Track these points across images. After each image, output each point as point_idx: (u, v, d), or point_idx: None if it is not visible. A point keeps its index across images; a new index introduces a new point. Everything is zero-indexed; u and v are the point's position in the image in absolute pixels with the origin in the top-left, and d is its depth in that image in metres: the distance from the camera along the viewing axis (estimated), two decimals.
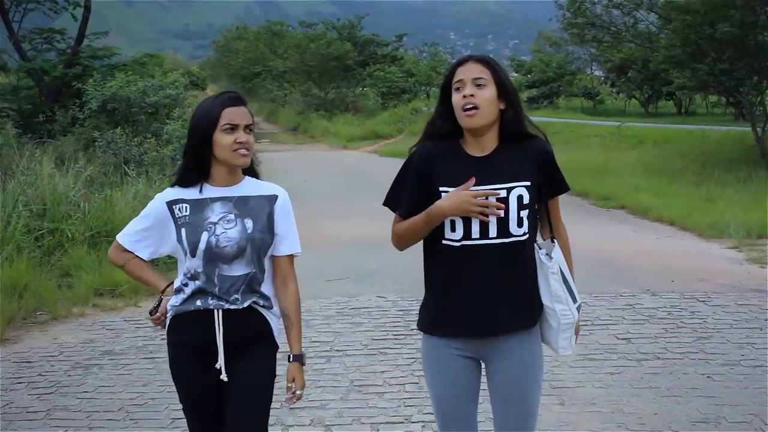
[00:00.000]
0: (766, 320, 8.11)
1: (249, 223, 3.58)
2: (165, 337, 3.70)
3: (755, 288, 9.40)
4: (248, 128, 3.57)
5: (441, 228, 3.39)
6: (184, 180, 3.63)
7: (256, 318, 3.63)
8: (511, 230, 3.33)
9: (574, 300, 3.50)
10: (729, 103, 37.15)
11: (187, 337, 3.61)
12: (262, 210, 3.62)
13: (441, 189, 3.37)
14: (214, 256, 3.53)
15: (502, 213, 3.29)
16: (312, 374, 6.80)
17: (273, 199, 3.67)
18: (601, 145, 26.81)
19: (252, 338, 3.62)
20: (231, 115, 3.52)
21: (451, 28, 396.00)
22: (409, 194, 3.48)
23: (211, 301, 3.55)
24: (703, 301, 8.87)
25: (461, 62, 3.45)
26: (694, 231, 13.46)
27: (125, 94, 18.15)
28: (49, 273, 9.78)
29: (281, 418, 5.91)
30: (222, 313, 3.54)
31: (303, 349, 3.71)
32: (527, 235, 3.37)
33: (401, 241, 3.62)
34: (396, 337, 7.83)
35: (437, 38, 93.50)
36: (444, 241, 3.40)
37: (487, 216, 3.28)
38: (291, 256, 3.74)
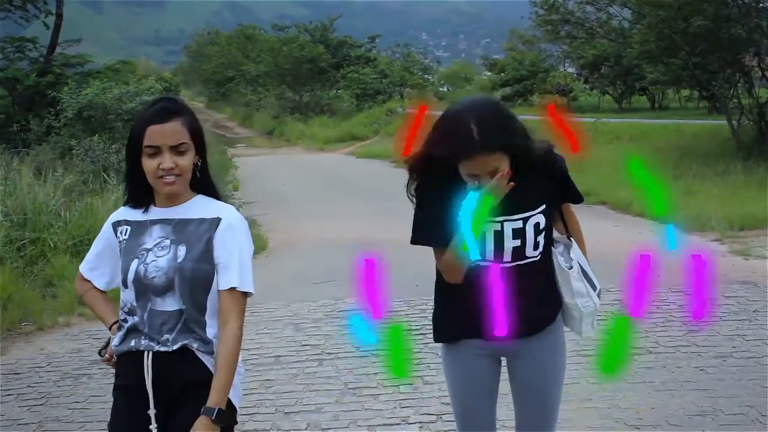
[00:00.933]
0: (754, 312, 8.14)
1: (181, 251, 3.11)
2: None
3: (741, 280, 9.43)
4: (177, 149, 3.07)
5: None
6: (131, 199, 3.26)
7: (192, 363, 3.11)
8: (526, 254, 3.30)
9: (594, 287, 3.49)
10: (702, 96, 37.33)
11: (123, 380, 3.21)
12: (201, 236, 3.13)
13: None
14: (144, 288, 3.10)
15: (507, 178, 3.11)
16: (305, 378, 6.80)
17: (215, 222, 3.15)
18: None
19: (188, 387, 3.10)
20: (153, 136, 3.04)
21: (423, 29, 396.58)
22: (436, 224, 3.24)
23: (143, 342, 3.11)
24: (690, 294, 8.87)
25: (471, 155, 3.08)
26: (676, 225, 13.48)
27: (101, 101, 17.99)
28: (33, 283, 9.68)
29: (277, 423, 5.88)
30: (152, 355, 3.09)
31: (233, 403, 3.13)
32: (541, 254, 3.35)
33: (453, 275, 3.31)
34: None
35: (409, 39, 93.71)
36: None
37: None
38: (233, 291, 3.10)
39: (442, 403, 5.97)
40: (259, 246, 12.83)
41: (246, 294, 3.16)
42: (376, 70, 55.14)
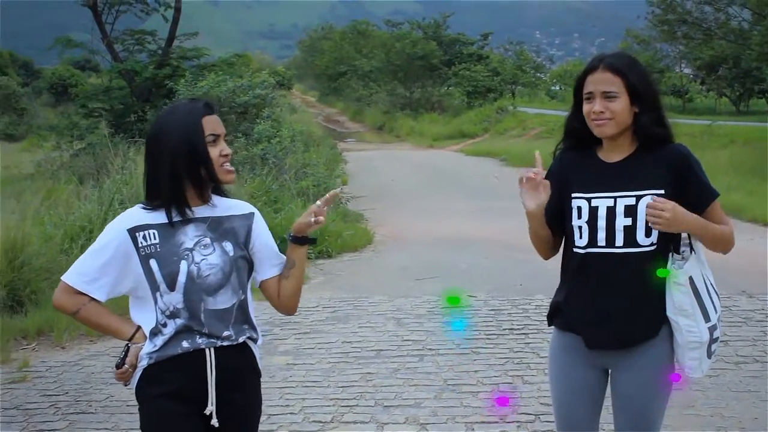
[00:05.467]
0: None
1: (228, 246, 3.18)
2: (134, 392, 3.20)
3: None
4: (225, 138, 3.17)
5: (572, 235, 3.34)
6: (153, 202, 3.16)
7: (247, 353, 3.28)
8: (638, 240, 3.22)
9: (707, 319, 3.26)
10: None
11: (172, 386, 3.12)
12: (239, 230, 3.23)
13: (573, 195, 3.31)
14: (196, 288, 3.10)
15: (538, 172, 3.25)
16: (405, 372, 6.84)
17: (249, 217, 3.29)
18: (692, 144, 26.07)
19: (243, 374, 3.25)
20: (212, 124, 3.10)
21: (537, 27, 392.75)
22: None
23: (200, 340, 3.12)
24: None
25: (592, 69, 3.27)
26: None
27: (215, 93, 18.32)
28: None
29: (376, 416, 5.93)
30: (214, 351, 3.14)
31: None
32: (655, 246, 3.23)
33: (535, 246, 3.53)
34: (488, 336, 7.80)
35: (522, 36, 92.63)
36: (574, 249, 3.35)
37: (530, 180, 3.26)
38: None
39: (541, 404, 5.96)
40: (365, 240, 12.97)
41: None
42: (488, 67, 54.90)
